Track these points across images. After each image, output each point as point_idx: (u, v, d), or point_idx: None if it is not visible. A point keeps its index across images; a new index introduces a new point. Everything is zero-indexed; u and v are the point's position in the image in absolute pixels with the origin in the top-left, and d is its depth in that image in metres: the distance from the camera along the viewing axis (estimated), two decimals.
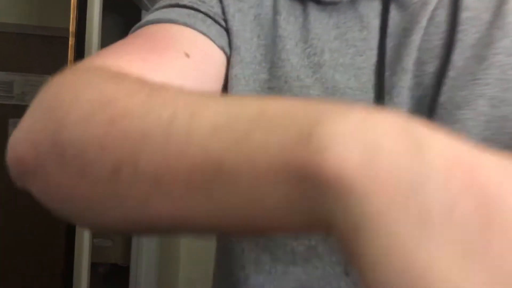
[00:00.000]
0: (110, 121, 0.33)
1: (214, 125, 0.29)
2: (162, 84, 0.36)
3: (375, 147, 0.25)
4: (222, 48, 0.58)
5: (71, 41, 1.97)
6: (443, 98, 0.55)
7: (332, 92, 0.56)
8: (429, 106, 0.55)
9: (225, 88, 0.59)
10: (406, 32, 0.57)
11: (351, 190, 0.24)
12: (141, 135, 0.31)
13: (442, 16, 0.57)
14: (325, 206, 0.25)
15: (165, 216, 0.31)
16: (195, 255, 2.69)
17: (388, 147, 0.25)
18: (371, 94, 0.56)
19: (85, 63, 0.47)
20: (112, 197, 0.33)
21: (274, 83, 0.58)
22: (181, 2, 0.58)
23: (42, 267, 2.20)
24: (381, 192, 0.24)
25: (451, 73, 0.55)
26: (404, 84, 0.56)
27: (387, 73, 0.56)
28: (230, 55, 0.59)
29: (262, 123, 0.28)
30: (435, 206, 0.24)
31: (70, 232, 1.96)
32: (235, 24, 0.59)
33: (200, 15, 0.58)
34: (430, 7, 0.57)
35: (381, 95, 0.56)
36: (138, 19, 2.58)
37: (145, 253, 3.05)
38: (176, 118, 0.31)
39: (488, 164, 0.25)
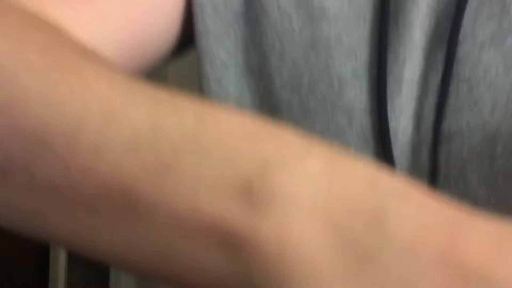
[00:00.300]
0: (1, 108, 0.28)
1: (132, 139, 0.25)
2: (80, 50, 0.31)
3: (328, 221, 0.21)
4: None
5: None
6: (462, 33, 0.43)
7: (318, 20, 0.45)
8: (446, 42, 0.44)
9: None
10: None
11: (295, 272, 0.21)
12: (39, 136, 0.26)
13: None
14: (260, 281, 0.22)
15: (68, 238, 0.27)
16: None
17: (343, 223, 0.21)
18: (367, 25, 0.45)
19: None
20: (4, 203, 0.28)
21: (251, 14, 0.47)
22: None
23: (18, 244, 2.13)
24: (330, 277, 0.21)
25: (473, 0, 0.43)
26: (412, 9, 0.44)
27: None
28: None
29: (194, 149, 0.24)
30: (391, 277, 0.21)
31: None
32: None
33: None
34: None
35: (382, 25, 0.44)
36: None
37: None
38: (86, 123, 0.26)
39: (473, 232, 0.21)
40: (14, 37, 0.31)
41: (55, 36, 0.33)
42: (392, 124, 0.44)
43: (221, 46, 0.48)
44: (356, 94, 0.45)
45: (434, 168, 0.45)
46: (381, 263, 0.21)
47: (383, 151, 0.44)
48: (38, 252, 1.89)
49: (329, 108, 0.45)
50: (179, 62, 0.51)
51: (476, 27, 0.43)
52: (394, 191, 0.22)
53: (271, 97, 0.47)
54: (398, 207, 0.22)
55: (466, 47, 0.43)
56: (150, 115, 0.25)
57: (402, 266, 0.21)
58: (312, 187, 0.22)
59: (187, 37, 0.49)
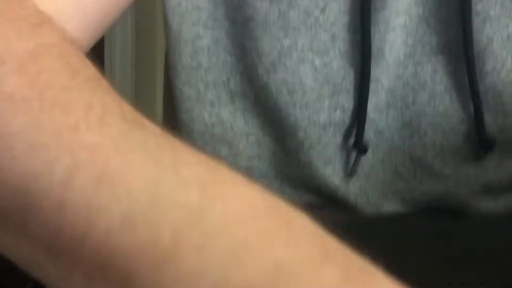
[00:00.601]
0: None
1: (128, 211, 0.22)
2: (67, 63, 0.27)
3: None
4: None
5: None
6: None
7: None
8: None
9: None
10: None
11: None
12: (25, 191, 0.23)
13: None
14: None
15: None
16: None
17: None
18: None
19: None
20: (3, 245, 0.25)
21: None
22: None
23: None
24: None
25: None
26: None
27: None
28: None
29: (197, 236, 0.21)
30: None
31: None
32: None
33: None
34: None
35: None
36: None
37: None
38: (75, 181, 0.23)
39: None
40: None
41: (37, 42, 0.28)
42: (375, 40, 0.42)
43: None
44: (339, 8, 0.42)
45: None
46: None
47: (365, 72, 0.42)
48: None
49: (312, 23, 0.42)
50: None
51: None
52: None
53: (246, 8, 0.43)
54: None
55: None
56: (149, 183, 0.23)
57: None
58: None
59: None
